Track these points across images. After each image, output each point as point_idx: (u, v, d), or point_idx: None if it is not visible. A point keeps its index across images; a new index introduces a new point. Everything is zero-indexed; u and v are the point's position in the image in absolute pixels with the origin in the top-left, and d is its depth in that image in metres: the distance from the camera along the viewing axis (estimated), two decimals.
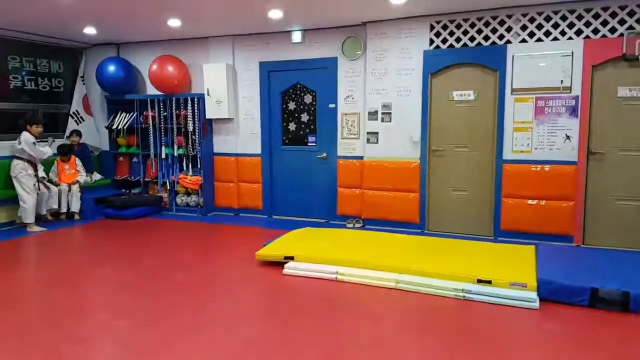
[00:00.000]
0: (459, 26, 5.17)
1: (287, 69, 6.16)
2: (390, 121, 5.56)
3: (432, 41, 5.30)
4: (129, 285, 3.86)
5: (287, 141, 6.40)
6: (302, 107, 6.25)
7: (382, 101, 5.57)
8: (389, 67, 5.49)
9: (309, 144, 6.25)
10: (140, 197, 6.81)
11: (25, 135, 5.61)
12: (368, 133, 5.69)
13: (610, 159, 4.75)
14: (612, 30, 4.60)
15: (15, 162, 5.67)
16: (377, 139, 5.64)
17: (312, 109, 6.18)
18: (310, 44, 5.98)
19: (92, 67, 6.98)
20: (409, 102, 5.43)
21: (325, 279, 3.89)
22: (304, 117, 6.25)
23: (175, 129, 6.66)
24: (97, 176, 7.00)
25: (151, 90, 6.83)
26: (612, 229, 4.80)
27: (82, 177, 6.55)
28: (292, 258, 4.15)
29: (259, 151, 6.46)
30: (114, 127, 6.96)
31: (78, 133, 6.90)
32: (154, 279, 4.01)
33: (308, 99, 6.20)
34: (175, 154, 6.73)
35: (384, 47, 5.49)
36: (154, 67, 6.43)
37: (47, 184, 6.16)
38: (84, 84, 7.22)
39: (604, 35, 4.63)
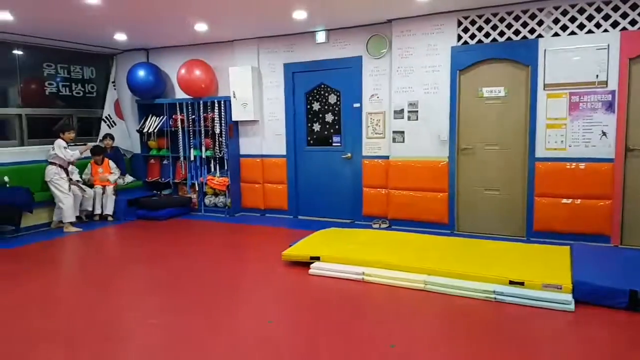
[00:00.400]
0: (487, 21, 5.06)
1: (311, 70, 6.19)
2: (416, 119, 5.50)
3: (459, 37, 5.21)
4: (161, 284, 3.97)
5: (311, 142, 6.42)
6: (326, 107, 6.27)
7: (408, 99, 5.52)
8: (415, 64, 5.44)
9: (333, 144, 6.26)
10: (171, 198, 6.98)
11: (58, 141, 5.90)
12: (394, 132, 5.65)
13: None
14: None
15: (49, 167, 5.93)
16: (403, 138, 5.59)
17: (337, 109, 6.19)
18: (334, 44, 6.00)
19: (123, 73, 7.21)
20: (437, 100, 5.36)
21: (351, 280, 3.89)
22: (329, 118, 6.26)
23: (202, 132, 6.80)
24: (129, 178, 7.22)
25: (179, 94, 7.00)
26: None
27: (115, 176, 6.77)
28: (317, 258, 4.17)
29: (284, 152, 6.52)
30: (145, 130, 7.18)
31: (111, 137, 7.14)
32: (184, 278, 4.11)
33: (332, 99, 6.21)
34: (203, 156, 6.87)
35: (409, 45, 5.44)
36: (182, 71, 6.58)
37: (82, 186, 6.39)
38: (115, 89, 7.46)
39: None
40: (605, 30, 4.58)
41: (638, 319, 3.07)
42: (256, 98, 6.47)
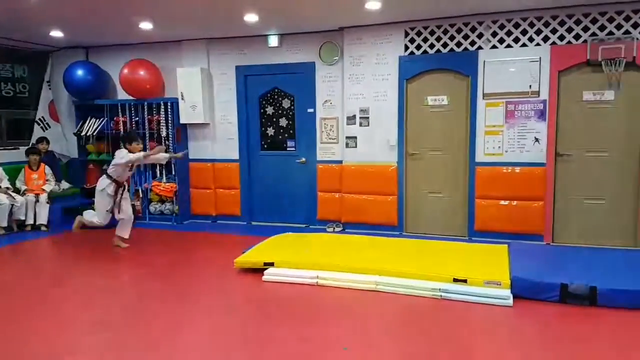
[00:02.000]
0: (432, 32, 5.44)
1: (264, 73, 6.30)
2: (368, 125, 5.79)
3: (406, 47, 5.56)
4: (101, 299, 3.82)
5: (265, 146, 6.54)
6: (280, 111, 6.41)
7: (359, 106, 5.80)
8: (366, 72, 5.72)
9: (288, 149, 6.41)
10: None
11: (120, 152, 5.16)
12: (347, 137, 5.90)
13: (577, 159, 5.11)
14: (577, 37, 4.95)
15: None
16: (356, 143, 5.86)
17: (291, 113, 6.35)
18: (287, 49, 6.15)
19: (59, 72, 6.94)
20: (386, 107, 5.67)
21: (306, 284, 4.04)
22: (283, 122, 6.41)
23: (147, 135, 6.67)
24: (65, 185, 6.94)
25: (122, 95, 6.83)
26: (580, 227, 5.17)
27: (50, 186, 6.48)
28: (272, 264, 4.28)
29: (236, 156, 6.57)
30: (83, 133, 6.91)
31: (47, 140, 6.83)
32: (127, 290, 4.05)
33: (286, 103, 6.36)
34: None
35: (360, 53, 5.72)
36: (125, 71, 6.45)
37: (12, 194, 6.07)
38: (50, 89, 7.16)
39: (569, 42, 4.98)
40: (538, 44, 5.09)
41: (568, 311, 3.45)
42: (206, 100, 6.47)
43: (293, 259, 4.34)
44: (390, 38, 5.58)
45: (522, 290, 3.64)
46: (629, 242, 5.00)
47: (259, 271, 4.27)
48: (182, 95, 6.43)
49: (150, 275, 4.44)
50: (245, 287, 4.07)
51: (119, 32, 6.06)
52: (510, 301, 3.56)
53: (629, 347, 2.93)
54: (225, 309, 3.62)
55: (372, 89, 5.72)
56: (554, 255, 4.49)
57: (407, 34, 5.54)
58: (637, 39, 4.72)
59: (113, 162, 5.12)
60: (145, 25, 5.66)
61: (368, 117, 5.78)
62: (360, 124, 5.81)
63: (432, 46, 5.47)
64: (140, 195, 6.85)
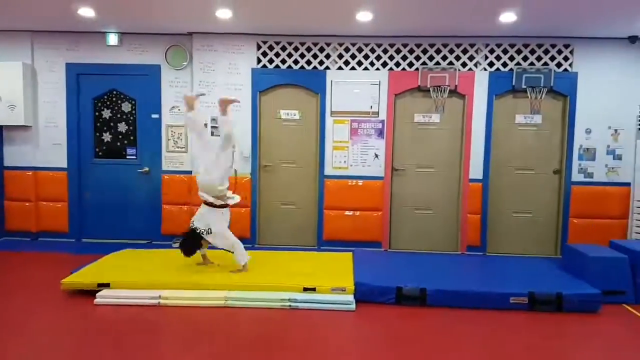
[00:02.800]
0: (284, 48, 5.61)
1: (100, 73, 5.77)
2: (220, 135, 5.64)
3: (259, 60, 5.63)
4: None
5: (100, 154, 5.93)
6: (119, 115, 5.89)
7: (211, 115, 5.64)
8: (218, 80, 5.62)
9: (128, 157, 5.91)
10: None
11: None
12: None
13: (409, 174, 5.76)
14: (410, 64, 5.60)
15: None
16: None
17: (132, 118, 5.88)
18: (129, 49, 5.72)
19: None
20: (240, 118, 5.63)
21: (146, 305, 3.74)
22: (122, 127, 5.89)
23: None
24: None
25: None
26: (412, 234, 5.82)
27: None
28: (107, 285, 3.88)
29: (64, 164, 5.85)
30: None
31: None
32: None
33: (126, 107, 5.88)
34: None
35: (211, 60, 5.61)
36: None
37: None
38: None
39: (404, 69, 5.60)
40: (378, 69, 5.62)
41: (403, 312, 3.81)
42: (28, 100, 5.64)
43: (132, 278, 4.00)
44: (242, 49, 5.59)
45: (364, 295, 3.93)
46: (453, 247, 5.77)
47: (92, 294, 3.82)
48: None
49: None
50: (73, 313, 3.61)
51: None
52: (353, 306, 3.80)
53: (456, 341, 3.33)
54: (48, 340, 3.16)
55: None
56: (390, 261, 4.96)
57: (259, 47, 5.62)
58: (459, 69, 5.52)
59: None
60: None
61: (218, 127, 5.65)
62: (212, 134, 5.66)
63: (284, 61, 5.64)
64: None
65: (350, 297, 3.87)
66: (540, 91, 5.44)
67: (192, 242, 4.24)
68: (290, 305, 3.79)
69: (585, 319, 3.74)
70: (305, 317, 3.64)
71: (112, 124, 5.91)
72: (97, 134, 5.91)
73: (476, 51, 5.52)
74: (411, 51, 5.60)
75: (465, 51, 5.53)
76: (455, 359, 3.07)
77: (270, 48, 5.62)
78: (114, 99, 5.88)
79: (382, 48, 5.60)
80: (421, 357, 3.07)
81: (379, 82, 5.60)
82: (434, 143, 5.71)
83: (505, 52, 5.50)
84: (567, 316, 3.78)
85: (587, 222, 5.54)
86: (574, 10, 4.55)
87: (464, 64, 5.54)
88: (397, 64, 5.62)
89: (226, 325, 3.48)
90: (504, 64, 5.51)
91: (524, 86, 5.44)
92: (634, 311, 3.94)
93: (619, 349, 3.30)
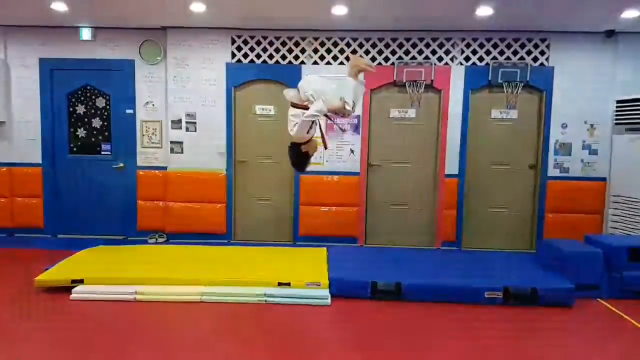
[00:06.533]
0: (258, 43, 5.77)
1: (74, 68, 5.91)
2: (195, 131, 5.80)
3: (234, 54, 5.76)
4: None
5: (75, 149, 6.07)
6: (93, 111, 6.02)
7: (186, 110, 5.80)
8: (193, 76, 5.78)
9: (102, 153, 6.06)
10: None
11: None
12: (172, 142, 5.82)
13: (385, 169, 5.98)
14: (386, 59, 5.77)
15: None
16: (182, 149, 5.83)
17: (106, 113, 6.02)
18: (102, 44, 5.86)
19: None
20: (215, 113, 5.79)
21: (122, 301, 3.92)
22: (96, 123, 6.02)
23: None
24: None
25: None
26: (388, 229, 6.04)
27: None
28: (81, 281, 4.05)
29: (39, 160, 5.99)
30: None
31: None
32: None
33: (101, 102, 6.00)
34: None
35: (186, 55, 5.75)
36: None
37: None
38: None
39: (379, 63, 5.77)
40: None
41: (378, 306, 4.00)
42: (2, 95, 5.79)
43: (107, 274, 4.19)
44: (217, 44, 5.74)
45: (339, 290, 4.14)
46: (429, 242, 5.98)
47: (67, 290, 4.00)
48: None
49: None
50: (48, 310, 3.78)
51: None
52: (329, 300, 4.01)
53: (430, 334, 3.54)
54: (23, 337, 3.31)
55: (199, 93, 5.79)
56: (366, 256, 5.18)
57: (234, 41, 5.76)
58: (435, 64, 5.71)
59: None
60: None
61: (195, 122, 5.80)
62: (187, 129, 5.80)
63: (258, 56, 5.79)
64: None
65: (325, 292, 4.07)
66: (516, 86, 5.65)
67: (297, 154, 3.73)
68: (266, 300, 3.97)
69: (559, 313, 3.90)
70: (281, 312, 3.84)
71: (86, 119, 6.02)
72: (72, 129, 6.03)
73: (452, 45, 5.70)
74: (387, 45, 5.76)
75: (441, 45, 5.72)
76: (430, 351, 3.26)
77: (245, 42, 5.75)
78: (88, 95, 6.00)
79: (357, 42, 5.76)
80: (396, 351, 3.24)
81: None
82: (409, 138, 5.92)
83: (481, 46, 5.69)
84: (541, 310, 3.94)
85: (562, 216, 5.76)
86: (550, 3, 4.66)
87: (440, 59, 5.73)
88: (373, 59, 5.78)
89: (201, 320, 3.66)
90: (480, 58, 5.71)
91: (500, 81, 5.64)
92: (607, 305, 4.12)
93: (591, 342, 3.49)
